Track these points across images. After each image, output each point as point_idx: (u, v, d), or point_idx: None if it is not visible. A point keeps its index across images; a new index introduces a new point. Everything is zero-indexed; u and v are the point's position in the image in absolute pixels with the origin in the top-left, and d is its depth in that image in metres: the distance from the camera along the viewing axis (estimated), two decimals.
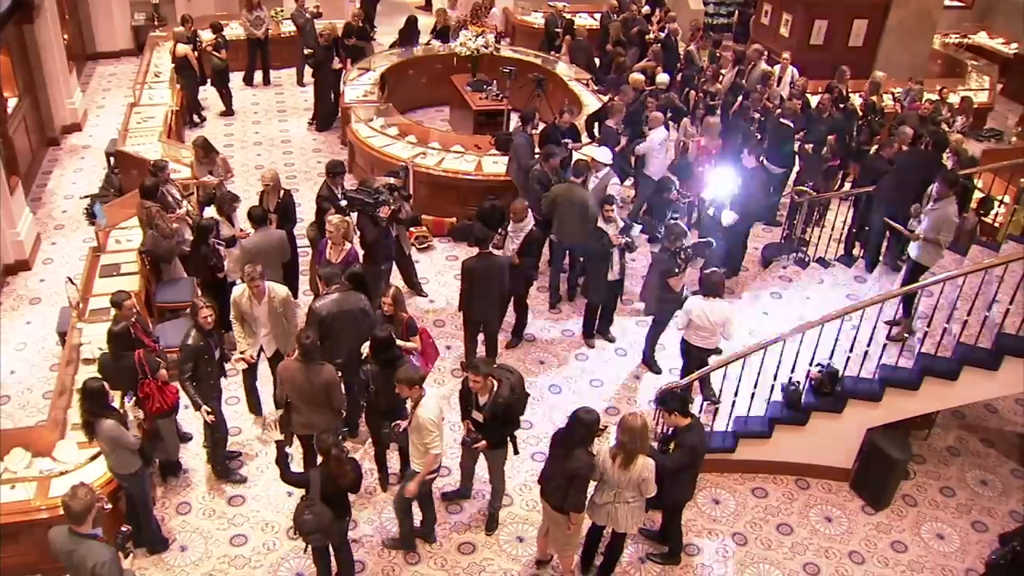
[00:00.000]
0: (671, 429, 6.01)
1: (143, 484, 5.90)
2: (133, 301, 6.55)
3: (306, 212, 9.94)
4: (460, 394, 6.03)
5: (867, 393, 6.86)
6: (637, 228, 8.14)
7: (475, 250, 7.63)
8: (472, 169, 10.37)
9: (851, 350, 6.96)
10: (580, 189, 8.54)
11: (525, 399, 6.00)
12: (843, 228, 9.56)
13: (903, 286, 7.34)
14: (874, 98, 11.22)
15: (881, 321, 7.15)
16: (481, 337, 8.10)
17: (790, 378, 7.14)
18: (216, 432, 6.53)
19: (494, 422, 5.91)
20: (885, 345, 6.99)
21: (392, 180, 8.41)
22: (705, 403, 7.44)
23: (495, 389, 5.78)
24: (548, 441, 5.90)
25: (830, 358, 7.08)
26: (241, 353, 6.78)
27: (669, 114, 10.73)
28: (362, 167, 11.19)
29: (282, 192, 8.47)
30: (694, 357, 7.33)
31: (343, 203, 7.98)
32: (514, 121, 11.25)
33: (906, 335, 7.13)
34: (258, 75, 13.98)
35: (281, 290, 6.80)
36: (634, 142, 10.14)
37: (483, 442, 5.96)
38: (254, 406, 7.33)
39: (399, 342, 6.49)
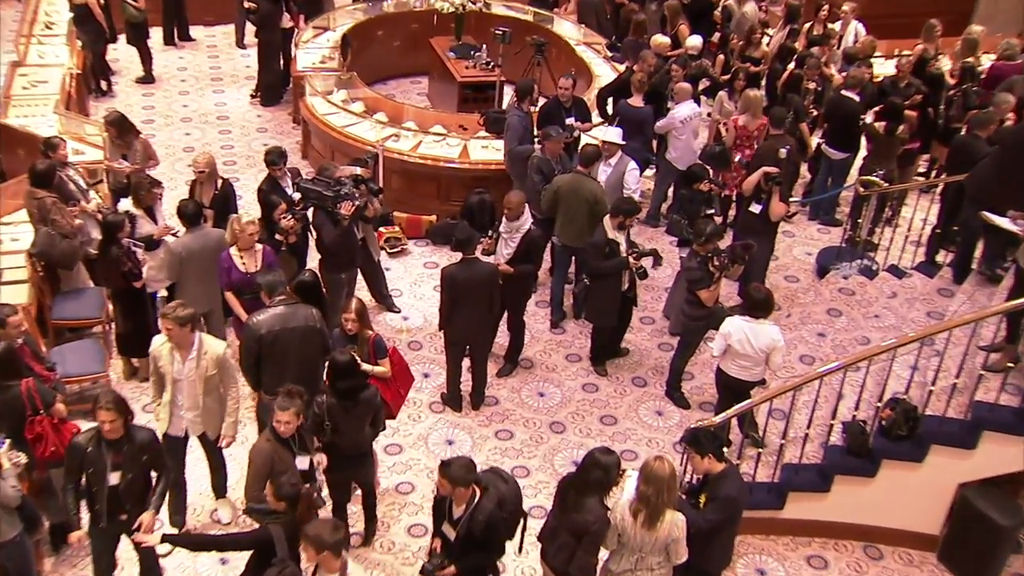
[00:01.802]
0: (701, 477, 6.01)
1: (24, 555, 5.57)
2: (20, 317, 6.42)
3: (250, 207, 9.94)
4: (435, 500, 5.70)
5: (956, 438, 6.74)
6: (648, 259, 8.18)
7: (459, 255, 7.68)
8: (456, 155, 10.39)
9: (934, 383, 6.92)
10: (589, 181, 8.57)
11: (517, 520, 5.62)
12: (923, 228, 9.51)
13: (1007, 301, 7.17)
14: (971, 59, 10.79)
15: (975, 346, 7.02)
16: (467, 363, 8.12)
17: (854, 417, 7.16)
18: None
19: (468, 545, 5.43)
20: (980, 377, 6.87)
21: (358, 170, 8.44)
22: (745, 446, 7.47)
23: (475, 500, 5.40)
24: (550, 492, 5.91)
25: (906, 392, 7.10)
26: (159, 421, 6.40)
27: (701, 86, 10.84)
28: (319, 152, 11.23)
29: (220, 182, 8.48)
30: (732, 390, 7.33)
31: (295, 196, 8.00)
32: (508, 96, 11.29)
33: (1009, 365, 7.00)
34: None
35: (216, 346, 6.26)
36: (656, 121, 10.26)
37: (449, 569, 5.51)
38: (179, 507, 6.80)
39: (364, 367, 6.49)
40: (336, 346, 6.59)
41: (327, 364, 6.21)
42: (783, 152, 9.23)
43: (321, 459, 5.94)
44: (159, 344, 6.23)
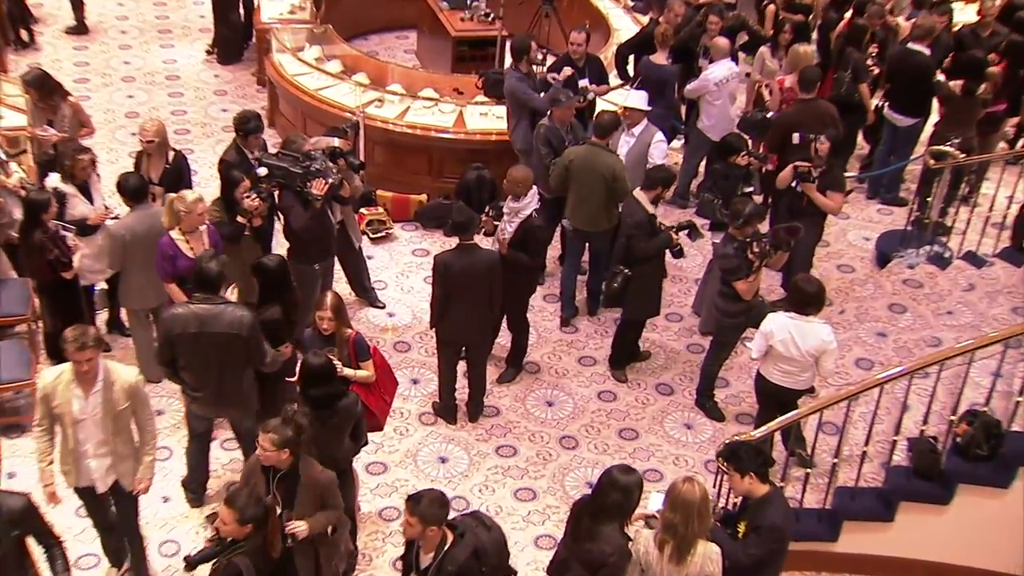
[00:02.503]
0: (739, 502, 6.02)
1: None
2: None
3: (207, 183, 10.02)
4: (405, 546, 5.61)
5: None
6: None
7: (454, 241, 7.73)
8: (450, 124, 10.42)
9: (1022, 393, 6.91)
10: (606, 154, 8.64)
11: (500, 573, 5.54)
12: (1008, 207, 9.51)
13: None
14: None
15: None
16: (463, 367, 8.16)
17: (922, 432, 7.16)
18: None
19: None
20: None
21: (335, 141, 8.46)
22: (791, 466, 7.46)
23: (446, 546, 5.29)
24: (560, 518, 5.95)
25: (986, 404, 7.08)
26: (47, 485, 6.12)
27: (739, 40, 10.84)
28: (288, 120, 11.25)
29: (170, 154, 8.52)
30: (774, 400, 7.39)
31: (260, 172, 8.04)
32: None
33: None
34: None
35: (126, 374, 6.04)
36: (686, 82, 10.27)
37: None
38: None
39: (344, 371, 6.52)
40: (310, 347, 6.63)
41: (300, 368, 6.26)
42: (795, 138, 9.25)
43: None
44: (52, 379, 5.90)
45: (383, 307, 9.31)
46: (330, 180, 7.83)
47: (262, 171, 7.97)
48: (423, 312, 8.89)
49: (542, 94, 9.29)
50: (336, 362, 6.35)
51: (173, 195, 7.55)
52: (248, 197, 7.73)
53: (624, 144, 9.03)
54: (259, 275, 6.96)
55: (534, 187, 8.12)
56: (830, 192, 8.59)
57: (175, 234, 7.38)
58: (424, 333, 8.92)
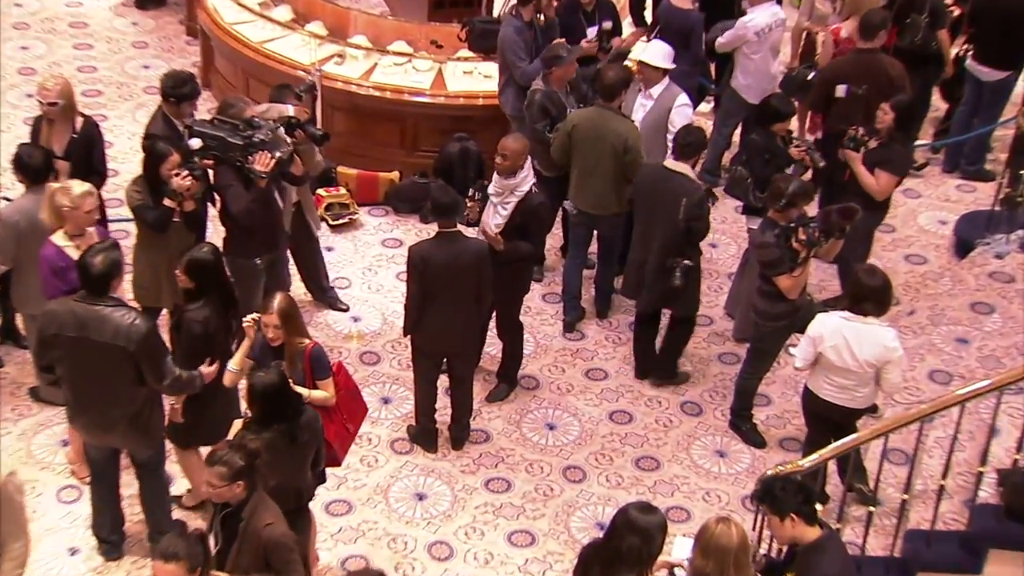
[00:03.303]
0: (785, 549, 6.02)
1: None
2: None
3: (124, 158, 9.98)
4: None
5: None
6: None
7: (433, 229, 7.76)
8: (427, 85, 10.43)
9: None
10: (616, 118, 8.65)
11: None
12: None
13: None
14: None
15: None
16: (444, 382, 8.17)
17: (1015, 462, 7.15)
18: None
19: None
20: None
21: (289, 109, 8.46)
22: (849, 504, 7.44)
23: None
24: (566, 567, 6.02)
25: None
26: None
27: None
28: (227, 79, 11.23)
29: (78, 121, 8.52)
30: (827, 421, 7.42)
31: (191, 144, 8.01)
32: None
33: None
34: None
35: None
36: (715, 30, 10.23)
37: None
38: None
39: (299, 390, 6.54)
40: (262, 361, 6.64)
41: (247, 389, 6.28)
42: (840, 90, 9.24)
43: None
44: None
45: (346, 309, 9.33)
46: (277, 154, 7.81)
47: (195, 143, 7.95)
48: (395, 316, 8.86)
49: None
50: (289, 380, 6.39)
51: (55, 185, 7.44)
52: (178, 175, 7.70)
53: (639, 108, 9.01)
54: (192, 271, 6.91)
55: (529, 159, 8.16)
56: (879, 171, 8.54)
57: (59, 239, 7.32)
58: (397, 341, 8.92)
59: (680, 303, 8.56)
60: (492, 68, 10.02)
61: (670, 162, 8.29)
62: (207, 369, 6.89)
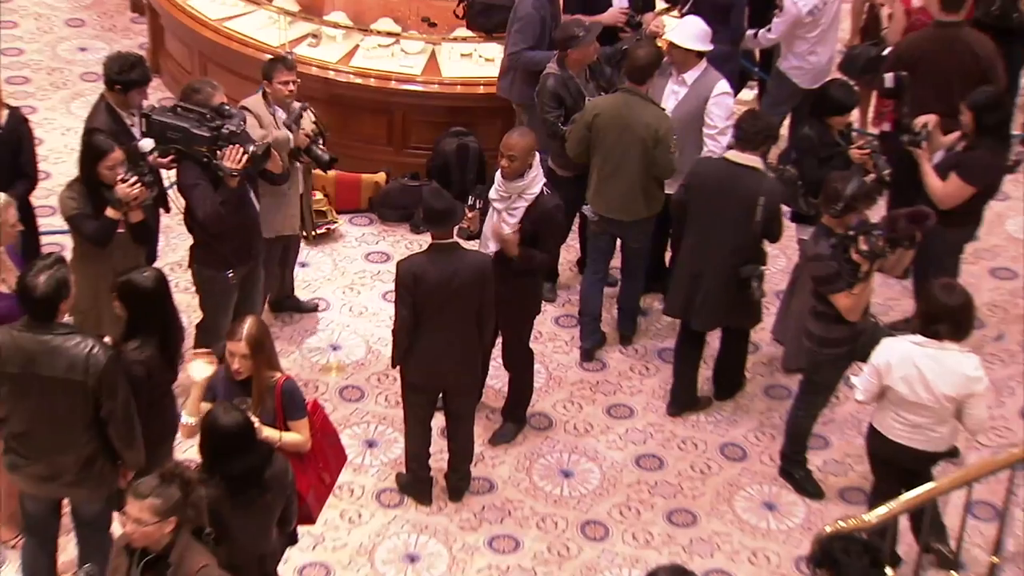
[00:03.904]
0: None
1: None
2: None
3: (57, 157, 9.97)
4: None
5: None
6: None
7: (426, 240, 7.74)
8: (418, 70, 10.48)
9: None
10: (646, 105, 8.69)
11: None
12: None
13: None
14: None
15: None
16: (440, 422, 8.16)
17: None
18: None
19: None
20: None
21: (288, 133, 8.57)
22: (927, 567, 7.40)
23: None
24: None
25: None
26: None
27: None
28: (179, 63, 11.28)
29: (3, 114, 8.53)
30: (897, 467, 7.39)
31: (143, 146, 7.97)
32: None
33: None
34: None
35: None
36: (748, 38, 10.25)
37: None
38: None
39: (268, 433, 6.54)
40: (222, 396, 6.60)
41: (205, 429, 6.20)
42: (888, 79, 9.22)
43: None
44: None
45: (316, 308, 9.48)
46: (250, 148, 7.83)
47: (146, 144, 7.90)
48: (382, 344, 8.88)
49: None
50: (255, 422, 6.34)
51: None
52: (124, 181, 7.67)
53: (670, 96, 9.03)
54: (126, 296, 6.85)
55: (537, 156, 8.14)
56: (954, 175, 8.51)
57: None
58: (384, 374, 8.91)
59: (750, 316, 8.69)
60: (495, 50, 10.07)
61: (734, 154, 8.26)
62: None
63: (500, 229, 8.01)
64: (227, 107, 8.05)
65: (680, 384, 8.89)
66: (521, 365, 8.56)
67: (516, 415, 8.67)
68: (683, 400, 8.89)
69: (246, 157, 7.77)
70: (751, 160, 8.18)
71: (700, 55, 8.99)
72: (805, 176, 8.59)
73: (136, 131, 8.33)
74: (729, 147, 8.42)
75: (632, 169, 8.63)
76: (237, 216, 8.04)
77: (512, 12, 9.67)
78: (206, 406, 6.57)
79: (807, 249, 8.20)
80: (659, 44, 9.16)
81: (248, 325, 6.68)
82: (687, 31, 9.03)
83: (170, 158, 8.01)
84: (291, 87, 8.66)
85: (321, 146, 8.86)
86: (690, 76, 8.99)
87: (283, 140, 8.54)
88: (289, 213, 8.95)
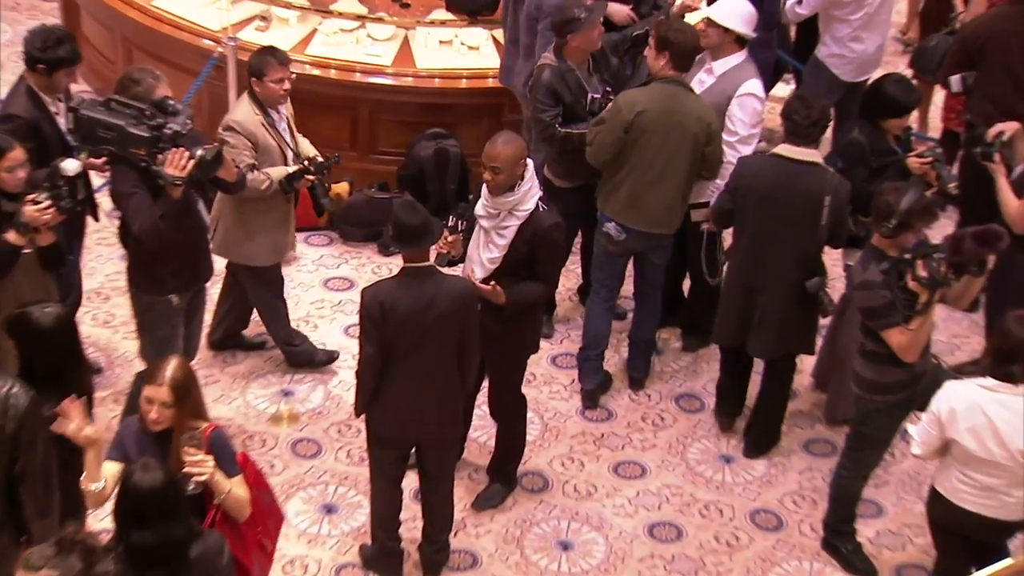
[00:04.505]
0: None
1: None
2: None
3: None
4: None
5: None
6: None
7: (396, 263, 7.85)
8: (388, 60, 10.57)
9: None
10: (691, 96, 8.87)
11: None
12: None
13: None
14: None
15: None
16: (412, 483, 8.12)
17: None
18: None
19: None
20: None
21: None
22: None
23: None
24: None
25: None
26: None
27: None
28: (98, 49, 11.41)
29: None
30: (963, 539, 7.39)
31: (65, 169, 7.81)
32: None
33: None
34: None
35: None
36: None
37: None
38: None
39: (221, 483, 6.46)
40: (136, 452, 6.55)
41: (120, 492, 6.11)
42: (954, 83, 9.29)
43: None
44: None
45: (263, 345, 9.53)
46: (198, 152, 7.75)
47: (69, 166, 7.76)
48: (344, 388, 8.96)
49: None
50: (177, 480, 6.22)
51: None
52: (35, 202, 7.58)
53: (697, 85, 9.12)
54: (14, 334, 6.83)
55: (530, 164, 8.08)
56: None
57: None
58: (345, 424, 8.94)
59: (810, 341, 8.87)
60: (479, 36, 10.13)
61: (788, 149, 8.32)
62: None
63: (473, 274, 8.02)
64: (171, 102, 7.98)
65: (727, 400, 9.13)
66: (511, 414, 8.52)
67: (505, 474, 8.66)
68: (731, 409, 9.12)
69: (192, 162, 7.70)
70: (809, 155, 8.25)
71: (741, 42, 9.08)
72: (854, 190, 8.54)
73: (62, 120, 8.36)
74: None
75: (680, 172, 8.72)
76: (180, 231, 7.98)
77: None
78: (112, 468, 6.59)
79: (855, 276, 8.15)
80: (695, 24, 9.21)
81: (172, 367, 6.60)
82: (731, 8, 9.15)
83: (102, 160, 8.01)
84: (286, 86, 8.71)
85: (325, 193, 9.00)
86: (720, 65, 9.11)
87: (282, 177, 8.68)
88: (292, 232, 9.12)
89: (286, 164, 8.77)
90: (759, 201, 8.43)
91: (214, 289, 9.13)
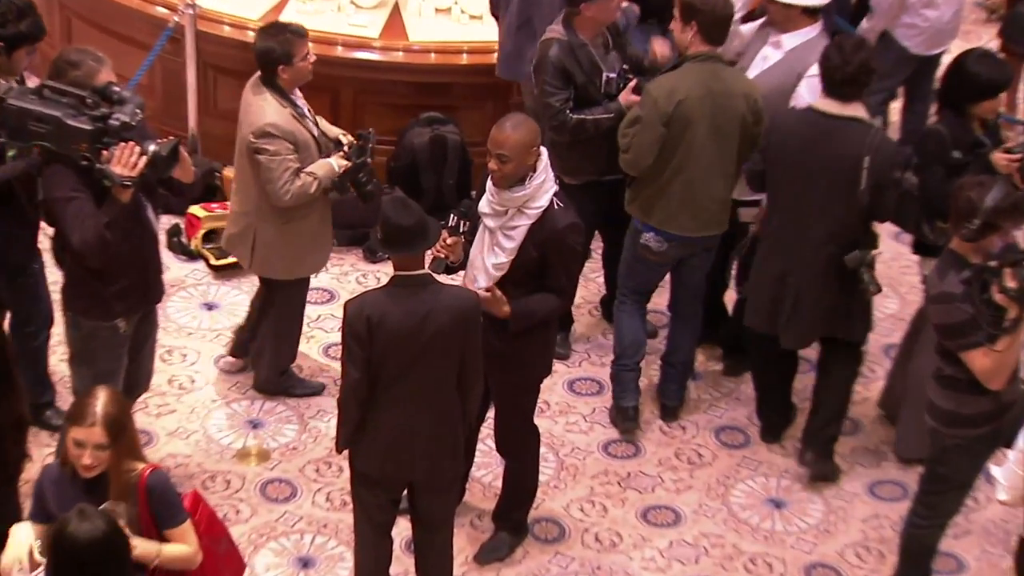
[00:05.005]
0: None
1: None
2: None
3: None
4: None
5: None
6: None
7: (385, 270, 7.90)
8: (374, 33, 10.60)
9: None
10: (733, 72, 9.03)
11: None
12: None
13: None
14: None
15: None
16: (405, 529, 8.01)
17: None
18: None
19: None
20: None
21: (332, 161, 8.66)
22: None
23: None
24: None
25: None
26: None
27: None
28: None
29: None
30: None
31: None
32: None
33: None
34: None
35: None
36: None
37: None
38: None
39: (142, 547, 6.42)
40: (64, 500, 6.46)
41: (54, 547, 6.06)
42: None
43: None
44: None
45: (320, 391, 9.44)
46: (150, 147, 7.67)
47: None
48: (323, 419, 8.94)
49: None
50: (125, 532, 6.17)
51: None
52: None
53: (760, 61, 9.23)
54: None
55: (544, 153, 8.00)
56: None
57: None
58: (324, 462, 8.92)
59: (861, 322, 8.84)
60: (482, 3, 10.07)
61: (825, 103, 8.36)
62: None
63: (474, 284, 7.97)
64: (117, 88, 7.87)
65: (769, 406, 9.10)
66: (521, 449, 8.44)
67: (513, 521, 8.60)
68: (777, 421, 9.12)
69: (144, 159, 7.61)
70: (850, 109, 8.26)
71: (812, 12, 9.08)
72: (931, 188, 8.57)
73: None
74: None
75: (730, 161, 8.82)
76: (128, 243, 7.88)
77: None
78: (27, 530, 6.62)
79: (931, 287, 8.04)
80: None
81: (102, 402, 6.53)
82: None
83: (37, 155, 7.92)
84: (312, 58, 8.78)
85: (367, 175, 8.95)
86: (790, 40, 9.16)
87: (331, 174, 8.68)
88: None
89: (321, 156, 8.76)
90: (790, 162, 8.50)
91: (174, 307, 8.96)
